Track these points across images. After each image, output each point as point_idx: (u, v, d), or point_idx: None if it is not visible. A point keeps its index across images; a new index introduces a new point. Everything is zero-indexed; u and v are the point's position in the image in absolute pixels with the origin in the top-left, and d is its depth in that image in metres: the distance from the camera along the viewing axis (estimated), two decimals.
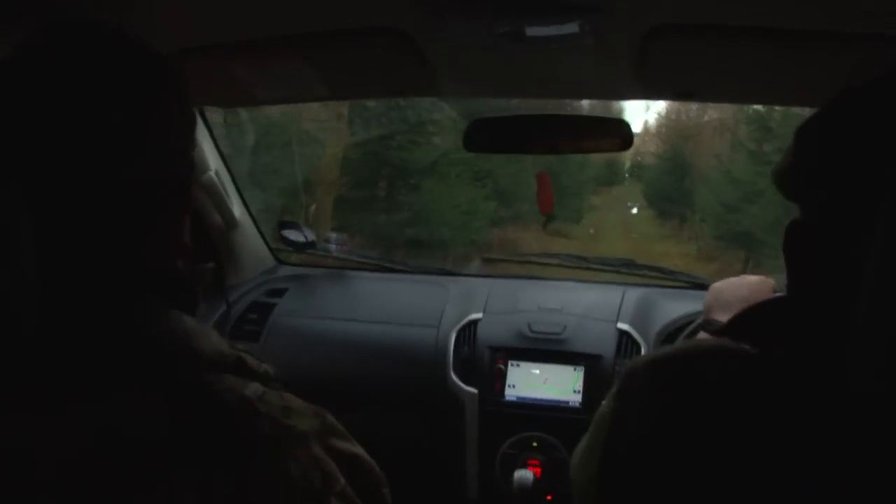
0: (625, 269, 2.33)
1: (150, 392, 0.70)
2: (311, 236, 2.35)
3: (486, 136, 1.67)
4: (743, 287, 1.41)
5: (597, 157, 16.40)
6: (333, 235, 2.45)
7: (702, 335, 1.36)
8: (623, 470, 0.83)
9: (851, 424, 0.62)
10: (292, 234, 2.35)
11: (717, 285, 1.46)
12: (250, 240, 2.35)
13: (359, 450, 0.89)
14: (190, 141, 0.84)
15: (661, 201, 19.93)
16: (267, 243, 2.46)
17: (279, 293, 2.25)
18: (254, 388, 0.77)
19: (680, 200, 17.70)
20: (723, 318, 1.29)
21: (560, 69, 1.45)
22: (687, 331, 1.71)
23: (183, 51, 1.42)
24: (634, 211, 22.12)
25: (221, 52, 1.44)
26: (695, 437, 0.75)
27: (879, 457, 0.59)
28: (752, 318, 0.84)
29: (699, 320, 1.67)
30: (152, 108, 0.77)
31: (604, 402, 0.96)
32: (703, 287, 2.20)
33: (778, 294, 1.47)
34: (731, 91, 1.64)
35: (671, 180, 19.17)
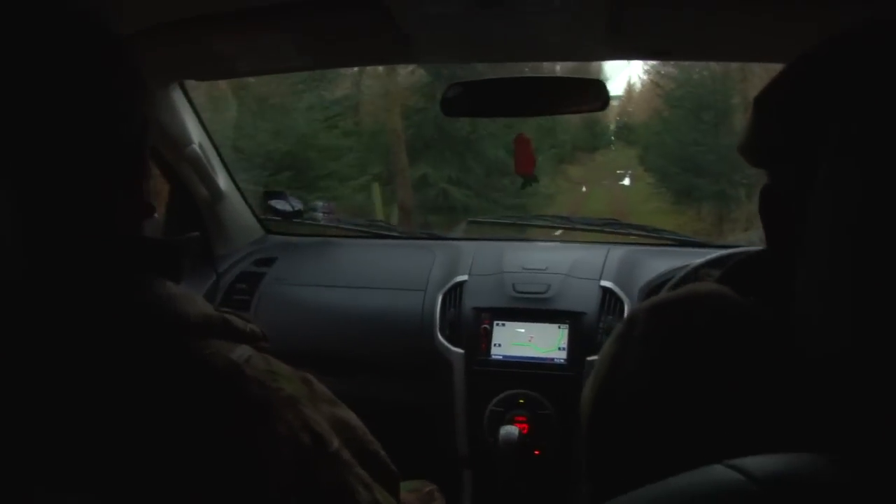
0: (609, 229, 2.35)
1: (137, 358, 0.72)
2: (298, 205, 2.37)
3: (463, 100, 1.69)
4: None
5: (574, 119, 13.12)
6: (320, 204, 2.47)
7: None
8: (615, 412, 0.83)
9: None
10: (279, 204, 2.37)
11: None
12: (237, 210, 2.37)
13: (349, 415, 0.92)
14: (138, 106, 0.83)
15: (670, 167, 12.44)
16: (255, 214, 2.48)
17: (268, 262, 2.28)
18: (241, 352, 0.78)
19: (704, 165, 11.28)
20: None
21: (535, 32, 1.46)
22: (676, 278, 1.73)
23: (161, 25, 1.43)
24: (626, 182, 14.64)
25: (199, 25, 1.45)
26: (688, 382, 0.76)
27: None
28: (748, 267, 0.86)
29: (688, 268, 1.70)
30: (97, 78, 0.76)
31: (605, 344, 0.96)
32: (686, 244, 2.24)
33: None
34: (708, 49, 1.64)
35: (689, 135, 12.06)
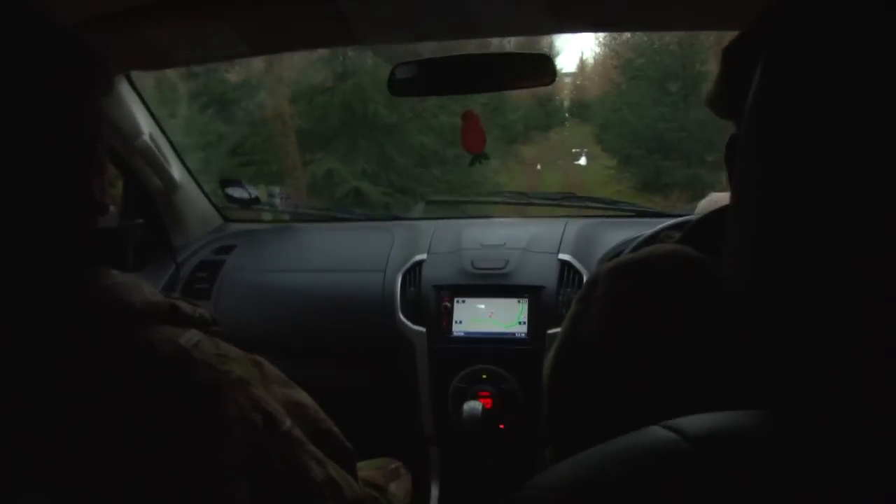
0: (566, 203, 2.36)
1: (84, 350, 0.72)
2: (255, 192, 2.36)
3: (410, 80, 1.68)
4: None
5: (525, 97, 11.09)
6: (277, 190, 2.48)
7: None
8: (577, 371, 0.84)
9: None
10: (236, 192, 2.35)
11: (716, 195, 1.44)
12: (194, 200, 2.36)
13: (301, 395, 0.93)
14: (92, 104, 0.84)
15: (634, 149, 10.27)
16: (212, 202, 2.47)
17: (227, 250, 2.27)
18: (189, 337, 0.79)
19: (674, 145, 9.34)
20: None
21: (475, 7, 1.45)
22: (635, 242, 1.73)
23: (102, 15, 1.41)
24: (583, 162, 12.14)
25: (139, 16, 1.43)
26: (649, 341, 0.77)
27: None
28: (706, 225, 0.88)
29: (648, 233, 1.70)
30: (50, 77, 0.76)
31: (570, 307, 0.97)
32: (644, 215, 2.25)
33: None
34: (650, 17, 1.64)
35: (654, 110, 9.97)
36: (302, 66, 9.39)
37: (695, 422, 0.53)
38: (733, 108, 0.75)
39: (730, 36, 0.74)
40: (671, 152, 9.55)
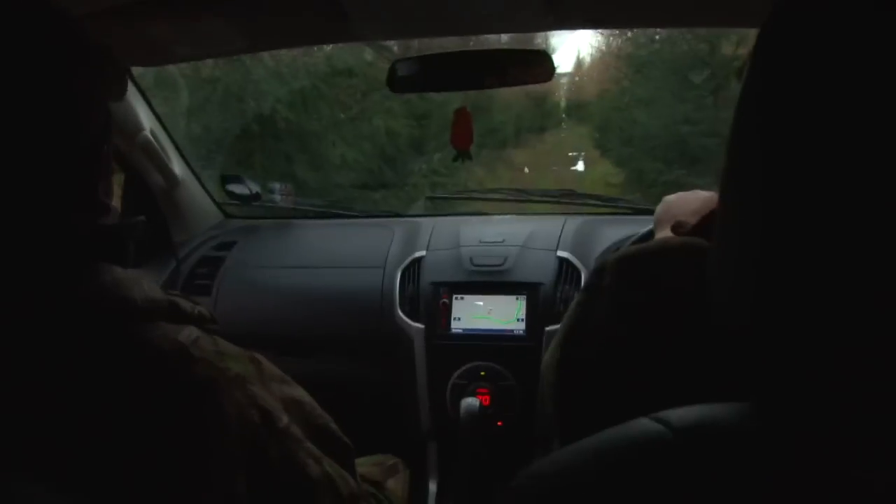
0: (566, 200, 2.36)
1: (83, 346, 0.73)
2: (256, 188, 2.36)
3: (409, 76, 1.68)
4: (694, 200, 1.37)
5: (518, 97, 9.91)
6: (277, 185, 2.46)
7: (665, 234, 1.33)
8: (584, 360, 0.85)
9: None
10: (237, 188, 2.36)
11: (669, 198, 1.42)
12: (195, 196, 2.36)
13: (299, 391, 0.93)
14: (101, 104, 0.84)
15: (647, 160, 7.51)
16: (213, 199, 2.48)
17: (228, 246, 2.28)
18: (187, 333, 0.79)
19: (702, 155, 6.70)
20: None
21: (471, 4, 1.46)
22: (631, 240, 1.72)
23: (103, 11, 1.42)
24: (580, 168, 9.98)
25: (141, 11, 1.44)
26: (658, 332, 0.78)
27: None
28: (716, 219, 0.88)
29: (643, 231, 1.69)
30: (60, 72, 0.76)
31: (575, 297, 0.96)
32: (643, 212, 2.25)
33: None
34: (646, 15, 1.63)
35: (675, 109, 7.12)
36: None
37: (682, 413, 0.54)
38: None
39: None
40: (699, 165, 6.95)
